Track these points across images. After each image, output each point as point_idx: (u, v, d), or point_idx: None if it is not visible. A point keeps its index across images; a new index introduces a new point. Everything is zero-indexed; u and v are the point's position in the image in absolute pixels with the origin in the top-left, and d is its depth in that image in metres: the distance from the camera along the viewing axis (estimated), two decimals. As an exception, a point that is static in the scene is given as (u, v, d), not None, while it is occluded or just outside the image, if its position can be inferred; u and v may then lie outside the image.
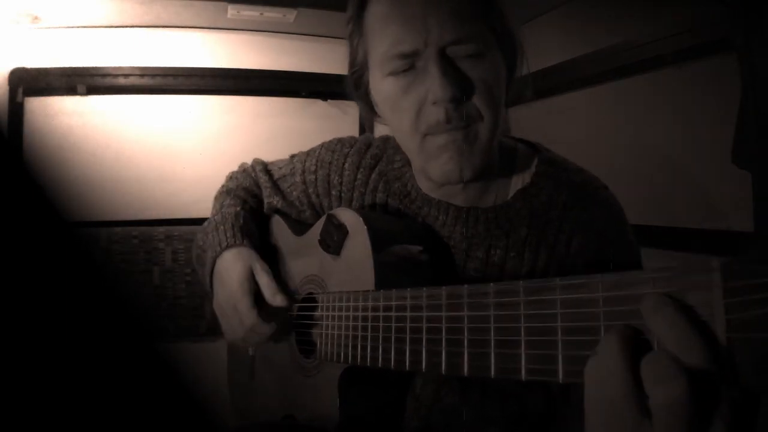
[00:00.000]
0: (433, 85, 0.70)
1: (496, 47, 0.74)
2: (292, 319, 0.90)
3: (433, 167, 0.75)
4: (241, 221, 0.96)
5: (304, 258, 0.90)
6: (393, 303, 0.63)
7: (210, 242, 0.95)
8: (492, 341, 0.50)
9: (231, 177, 1.09)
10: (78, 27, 1.98)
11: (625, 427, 0.36)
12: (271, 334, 0.88)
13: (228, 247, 0.92)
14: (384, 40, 0.73)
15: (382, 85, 0.77)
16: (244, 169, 1.08)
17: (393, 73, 0.74)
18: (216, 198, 1.05)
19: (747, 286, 0.33)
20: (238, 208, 0.98)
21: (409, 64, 0.72)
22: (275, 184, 1.01)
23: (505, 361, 0.48)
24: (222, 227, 0.94)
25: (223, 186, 1.08)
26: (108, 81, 2.01)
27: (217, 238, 0.93)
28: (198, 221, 2.16)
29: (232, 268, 0.90)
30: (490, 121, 0.73)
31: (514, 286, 0.48)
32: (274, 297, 0.87)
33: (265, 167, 1.04)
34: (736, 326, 0.34)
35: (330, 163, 0.95)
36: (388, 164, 0.91)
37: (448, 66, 0.70)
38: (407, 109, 0.74)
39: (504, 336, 0.49)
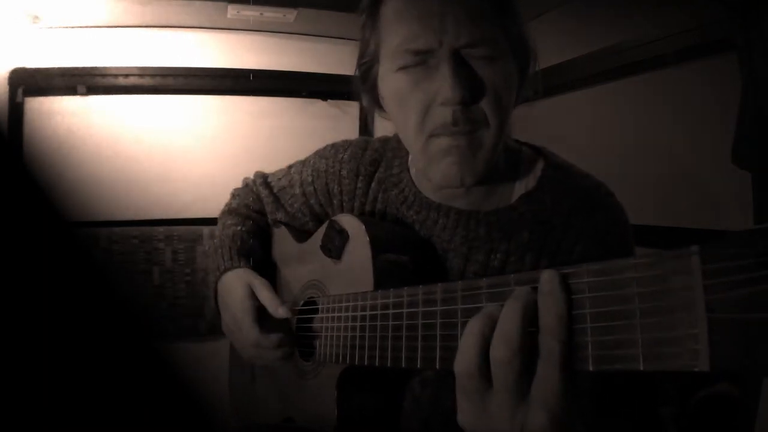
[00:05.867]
0: (443, 85, 0.69)
1: (510, 52, 0.73)
2: (294, 327, 0.90)
3: (435, 170, 0.74)
4: (239, 242, 0.97)
5: (305, 264, 0.91)
6: (390, 301, 0.63)
7: (211, 266, 0.98)
8: None
9: (234, 195, 1.08)
10: (78, 27, 1.99)
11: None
12: (278, 344, 0.87)
13: (226, 270, 0.93)
14: (399, 35, 0.72)
15: (391, 79, 0.75)
16: (246, 185, 1.07)
17: (404, 68, 0.72)
18: (219, 218, 1.05)
19: (725, 268, 0.34)
20: (238, 228, 0.99)
21: (421, 60, 0.71)
22: (276, 198, 1.01)
23: None
24: (221, 250, 0.96)
25: (226, 205, 1.08)
26: (108, 81, 2.01)
27: (217, 262, 0.95)
28: (198, 221, 2.18)
29: (233, 290, 0.91)
30: (496, 127, 0.72)
31: (506, 279, 0.49)
32: (276, 310, 0.87)
33: (265, 180, 1.03)
34: (715, 307, 0.35)
35: (325, 171, 0.94)
36: (386, 170, 0.90)
37: (461, 67, 0.69)
38: (414, 107, 0.72)
39: None
